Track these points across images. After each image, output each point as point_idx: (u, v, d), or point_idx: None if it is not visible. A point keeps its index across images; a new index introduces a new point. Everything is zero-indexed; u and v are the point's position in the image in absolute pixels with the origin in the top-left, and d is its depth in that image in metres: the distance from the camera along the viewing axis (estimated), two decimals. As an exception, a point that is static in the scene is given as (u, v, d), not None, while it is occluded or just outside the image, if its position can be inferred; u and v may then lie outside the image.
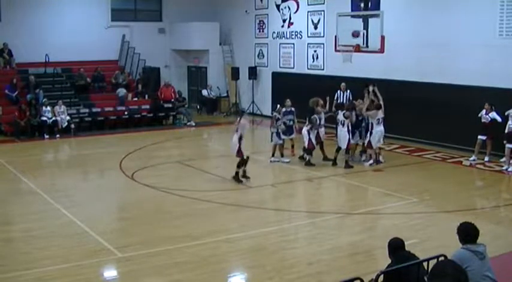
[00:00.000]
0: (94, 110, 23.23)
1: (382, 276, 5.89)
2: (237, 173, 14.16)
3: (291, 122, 16.60)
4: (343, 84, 20.28)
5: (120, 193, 14.12)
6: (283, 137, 16.45)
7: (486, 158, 16.50)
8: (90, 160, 17.93)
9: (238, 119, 14.88)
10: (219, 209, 12.27)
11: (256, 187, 14.03)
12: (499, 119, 15.96)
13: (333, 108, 18.28)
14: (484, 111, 16.19)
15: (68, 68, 24.75)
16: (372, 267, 8.05)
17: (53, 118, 21.36)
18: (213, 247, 9.86)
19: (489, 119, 16.08)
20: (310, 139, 16.02)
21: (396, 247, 6.36)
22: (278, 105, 17.06)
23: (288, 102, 16.77)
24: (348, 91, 20.12)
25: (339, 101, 19.97)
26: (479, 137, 16.38)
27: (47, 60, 23.36)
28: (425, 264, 6.04)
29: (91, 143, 20.50)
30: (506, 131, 15.46)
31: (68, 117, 21.72)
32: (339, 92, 20.19)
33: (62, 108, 21.63)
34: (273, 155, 16.59)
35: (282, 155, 16.53)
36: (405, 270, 5.95)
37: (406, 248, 6.40)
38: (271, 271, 8.81)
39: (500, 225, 11.25)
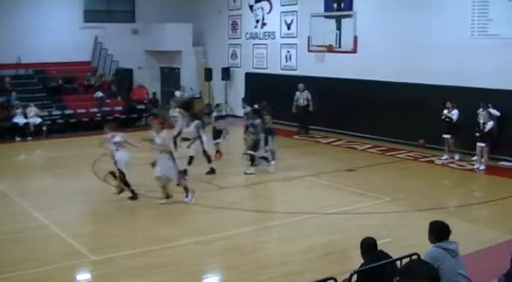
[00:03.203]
0: (67, 112, 22.97)
1: (355, 275, 5.91)
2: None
3: None
4: (300, 85, 20.32)
5: (93, 195, 13.94)
6: None
7: (456, 157, 16.71)
8: (62, 162, 17.71)
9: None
10: (192, 211, 12.22)
11: (229, 188, 14.00)
12: (454, 118, 16.44)
13: (294, 109, 18.15)
14: (446, 110, 16.49)
15: (40, 69, 24.44)
16: (346, 267, 8.03)
17: (25, 120, 21.09)
18: (186, 249, 9.82)
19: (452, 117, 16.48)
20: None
21: (369, 246, 6.39)
22: (256, 105, 17.24)
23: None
24: (306, 91, 20.17)
25: (298, 102, 20.06)
26: (443, 135, 16.72)
27: (18, 62, 23.04)
28: (398, 263, 6.07)
29: (63, 145, 20.26)
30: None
31: (39, 120, 21.47)
32: (297, 93, 20.26)
33: (33, 111, 21.37)
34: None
35: None
36: (378, 270, 5.97)
37: (379, 247, 6.43)
38: (246, 272, 8.80)
39: (473, 223, 11.37)
